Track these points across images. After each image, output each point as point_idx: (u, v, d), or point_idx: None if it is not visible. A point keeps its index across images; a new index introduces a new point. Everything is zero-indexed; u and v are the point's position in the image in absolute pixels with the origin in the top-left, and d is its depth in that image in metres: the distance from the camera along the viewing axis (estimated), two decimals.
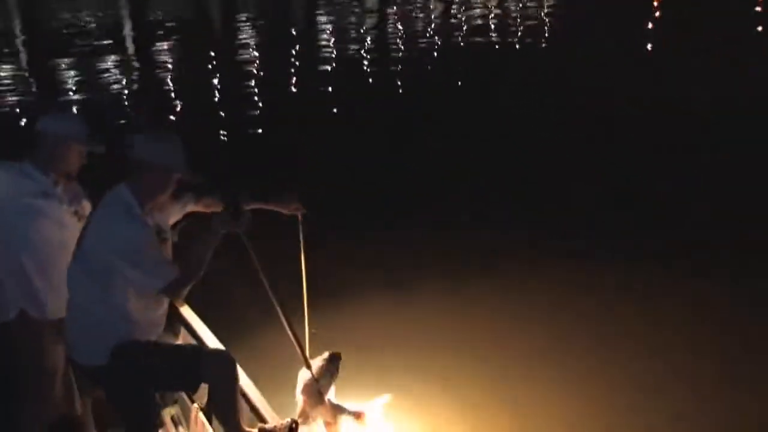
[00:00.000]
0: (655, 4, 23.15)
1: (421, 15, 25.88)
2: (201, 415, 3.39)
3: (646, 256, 6.29)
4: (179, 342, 3.39)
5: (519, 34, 20.10)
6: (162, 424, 3.19)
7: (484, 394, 4.58)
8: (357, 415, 3.55)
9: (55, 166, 3.08)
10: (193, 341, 3.46)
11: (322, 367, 3.39)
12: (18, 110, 12.85)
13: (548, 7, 25.84)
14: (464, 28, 21.61)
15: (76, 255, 2.74)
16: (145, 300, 2.75)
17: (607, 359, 4.90)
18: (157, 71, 16.57)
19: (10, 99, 13.93)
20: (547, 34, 19.90)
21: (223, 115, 12.57)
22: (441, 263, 6.43)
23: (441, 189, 8.27)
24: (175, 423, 3.45)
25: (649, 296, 5.68)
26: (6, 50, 19.13)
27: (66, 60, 17.93)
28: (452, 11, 25.95)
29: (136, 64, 17.82)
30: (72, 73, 16.63)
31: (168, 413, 3.37)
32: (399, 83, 14.32)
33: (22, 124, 11.61)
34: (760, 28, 18.22)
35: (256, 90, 14.61)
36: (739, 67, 13.18)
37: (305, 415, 3.32)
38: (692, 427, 4.28)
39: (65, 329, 2.88)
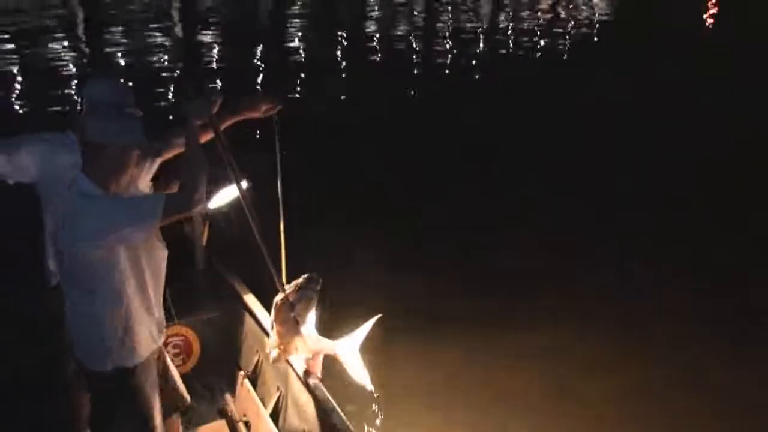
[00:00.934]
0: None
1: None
2: (247, 381, 3.64)
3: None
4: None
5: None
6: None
7: None
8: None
9: None
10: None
11: (297, 290, 2.92)
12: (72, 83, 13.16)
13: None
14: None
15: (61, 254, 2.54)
16: (149, 259, 2.57)
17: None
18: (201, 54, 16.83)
19: (64, 73, 14.25)
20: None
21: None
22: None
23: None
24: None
25: None
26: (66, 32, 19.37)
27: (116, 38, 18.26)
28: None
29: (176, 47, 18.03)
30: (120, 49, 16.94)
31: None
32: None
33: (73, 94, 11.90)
34: None
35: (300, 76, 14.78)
36: None
37: (280, 350, 2.95)
38: None
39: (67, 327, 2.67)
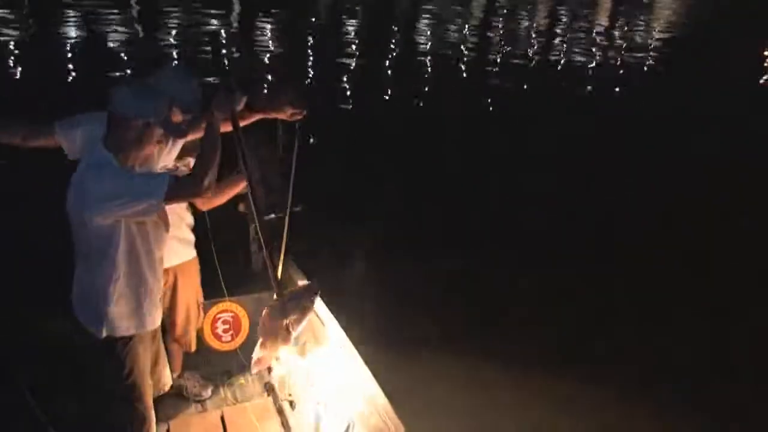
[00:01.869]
0: None
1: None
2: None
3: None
4: None
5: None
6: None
7: None
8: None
9: None
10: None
11: (294, 297, 2.87)
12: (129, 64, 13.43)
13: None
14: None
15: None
16: (145, 243, 2.57)
17: None
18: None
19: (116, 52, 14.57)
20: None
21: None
22: None
23: None
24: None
25: None
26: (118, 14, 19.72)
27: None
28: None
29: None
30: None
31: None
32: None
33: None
34: None
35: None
36: None
37: (261, 357, 2.94)
38: None
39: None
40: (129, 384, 2.65)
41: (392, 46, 18.85)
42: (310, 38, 17.93)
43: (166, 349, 3.54)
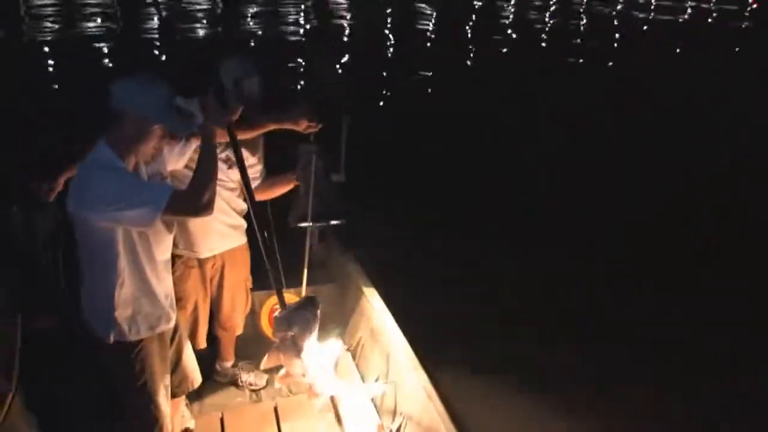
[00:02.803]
0: None
1: None
2: (348, 355, 3.64)
3: None
4: None
5: None
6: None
7: None
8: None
9: None
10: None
11: (295, 310, 2.86)
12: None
13: None
14: None
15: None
16: (146, 251, 2.49)
17: None
18: None
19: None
20: None
21: None
22: None
23: None
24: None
25: None
26: None
27: None
28: None
29: None
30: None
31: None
32: None
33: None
34: None
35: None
36: None
37: (284, 374, 2.93)
38: None
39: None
40: (139, 386, 2.59)
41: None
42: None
43: (215, 336, 3.58)
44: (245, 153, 3.10)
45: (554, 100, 11.49)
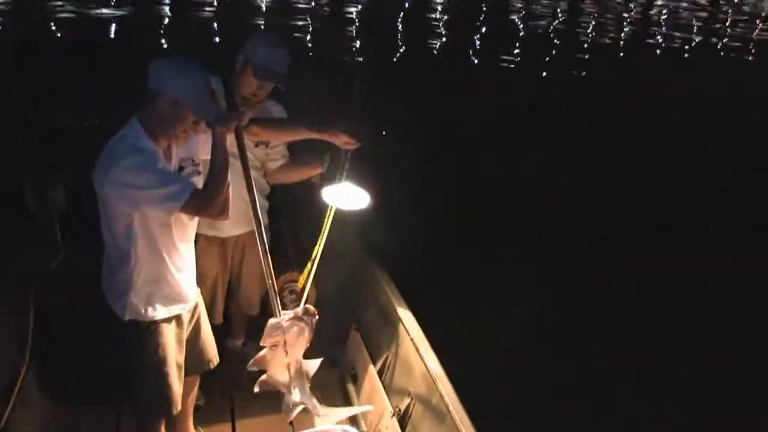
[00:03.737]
0: None
1: None
2: (358, 335, 3.66)
3: None
4: None
5: None
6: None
7: None
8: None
9: None
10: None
11: (292, 318, 2.82)
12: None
13: None
14: None
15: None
16: (164, 236, 2.48)
17: None
18: None
19: None
20: None
21: None
22: None
23: None
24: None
25: None
26: None
27: None
28: None
29: None
30: None
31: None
32: None
33: None
34: None
35: None
36: None
37: (266, 377, 2.89)
38: None
39: None
40: (152, 365, 2.59)
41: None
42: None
43: (231, 316, 3.59)
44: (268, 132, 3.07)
45: None
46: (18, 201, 3.73)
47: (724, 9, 25.14)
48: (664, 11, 23.50)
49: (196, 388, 3.11)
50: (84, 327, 3.34)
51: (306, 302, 3.83)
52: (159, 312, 2.56)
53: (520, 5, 23.41)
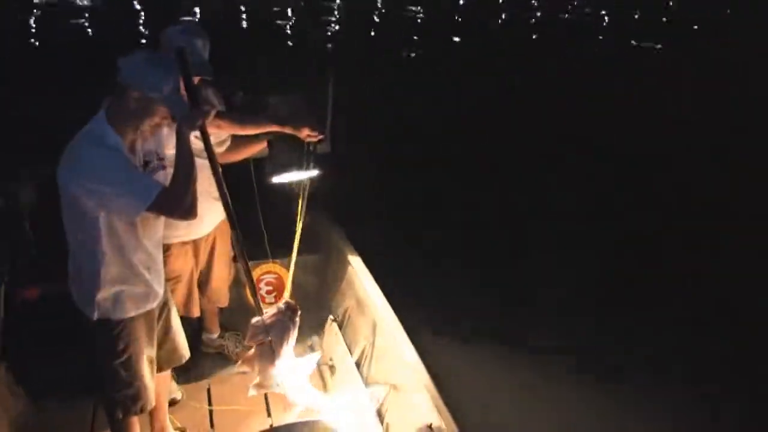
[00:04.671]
0: None
1: None
2: (335, 325, 3.66)
3: None
4: None
5: None
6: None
7: None
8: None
9: None
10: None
11: (274, 318, 2.80)
12: None
13: None
14: None
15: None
16: (130, 235, 2.42)
17: None
18: None
19: None
20: None
21: None
22: None
23: None
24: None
25: None
26: None
27: None
28: None
29: None
30: None
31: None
32: None
33: None
34: None
35: None
36: None
37: (258, 383, 2.89)
38: None
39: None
40: (124, 361, 2.55)
41: None
42: None
43: (202, 309, 3.57)
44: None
45: None
46: None
47: None
48: None
49: (169, 383, 3.09)
50: (56, 322, 3.29)
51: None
52: (129, 310, 2.51)
53: None
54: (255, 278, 3.81)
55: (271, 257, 3.74)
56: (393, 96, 10.01)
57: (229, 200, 2.63)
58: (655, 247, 6.55)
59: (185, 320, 3.04)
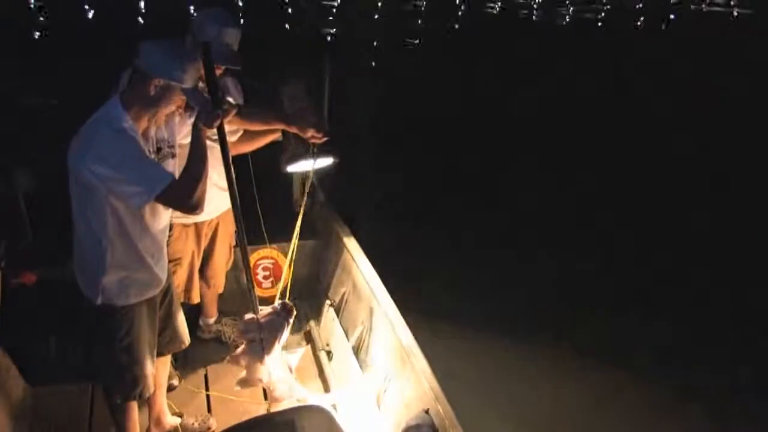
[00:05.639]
0: None
1: None
2: (332, 311, 3.66)
3: None
4: None
5: None
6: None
7: None
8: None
9: None
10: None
11: (268, 317, 2.81)
12: None
13: None
14: None
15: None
16: (136, 222, 2.42)
17: None
18: None
19: None
20: None
21: None
22: None
23: None
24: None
25: None
26: None
27: None
28: None
29: None
30: None
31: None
32: None
33: None
34: None
35: None
36: None
37: (244, 376, 2.88)
38: None
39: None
40: (125, 347, 2.56)
41: None
42: None
43: (201, 294, 3.57)
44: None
45: None
46: None
47: None
48: None
49: (168, 368, 3.10)
50: (54, 308, 3.30)
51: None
52: (132, 296, 2.52)
53: None
54: (252, 263, 3.82)
55: (267, 242, 3.74)
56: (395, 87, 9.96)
57: (238, 199, 2.62)
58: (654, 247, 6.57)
59: (183, 305, 3.05)
